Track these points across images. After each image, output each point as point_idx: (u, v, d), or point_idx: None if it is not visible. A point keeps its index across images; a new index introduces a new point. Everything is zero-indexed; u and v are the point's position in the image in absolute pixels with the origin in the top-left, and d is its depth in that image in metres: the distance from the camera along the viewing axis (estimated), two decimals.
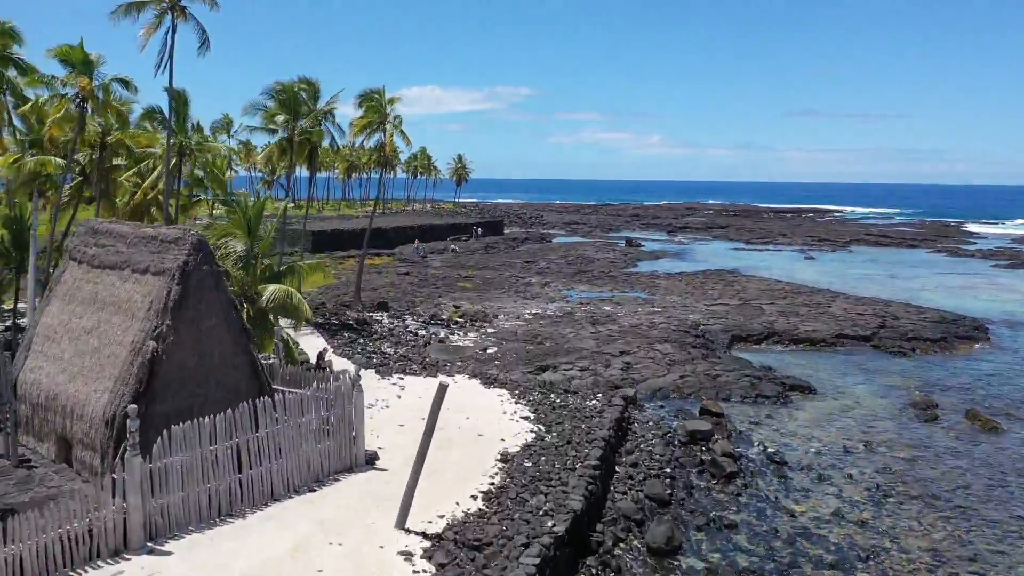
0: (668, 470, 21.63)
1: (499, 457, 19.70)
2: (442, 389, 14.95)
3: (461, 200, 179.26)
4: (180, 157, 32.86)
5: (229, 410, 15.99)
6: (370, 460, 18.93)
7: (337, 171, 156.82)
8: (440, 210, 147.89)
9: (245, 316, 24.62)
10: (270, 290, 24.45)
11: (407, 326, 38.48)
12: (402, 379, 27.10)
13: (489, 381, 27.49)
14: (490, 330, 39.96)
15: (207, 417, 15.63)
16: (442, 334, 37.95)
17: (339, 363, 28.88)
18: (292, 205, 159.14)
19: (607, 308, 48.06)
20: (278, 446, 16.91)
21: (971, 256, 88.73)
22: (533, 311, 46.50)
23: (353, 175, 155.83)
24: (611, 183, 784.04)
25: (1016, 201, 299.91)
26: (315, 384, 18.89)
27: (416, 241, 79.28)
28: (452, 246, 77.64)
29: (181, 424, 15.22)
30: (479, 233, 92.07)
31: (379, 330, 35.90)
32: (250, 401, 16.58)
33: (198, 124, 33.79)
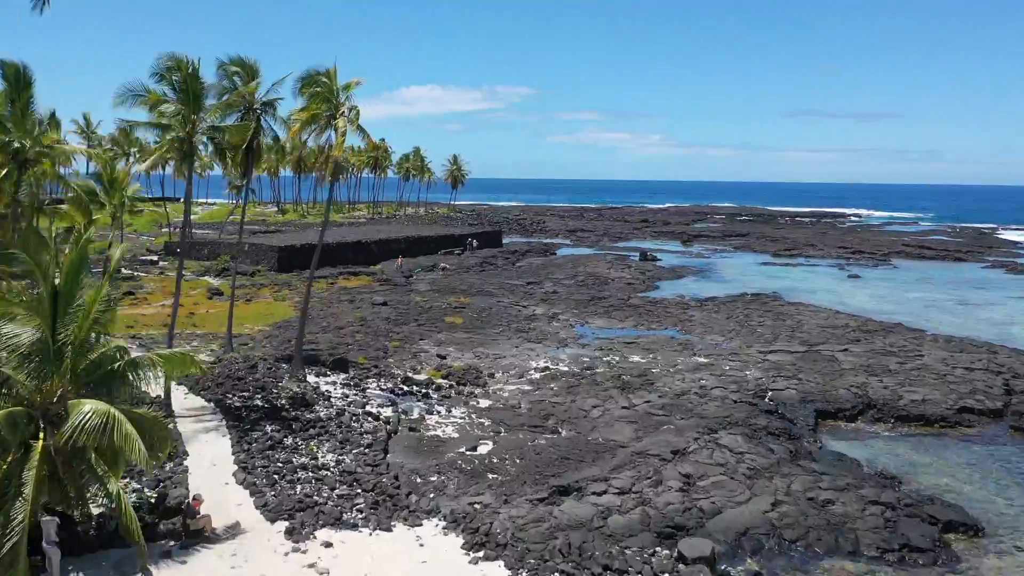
0: None
1: None
2: None
3: (457, 203, 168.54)
4: (19, 165, 21.89)
5: None
6: None
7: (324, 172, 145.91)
8: (433, 216, 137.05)
9: (38, 456, 13.95)
10: (83, 412, 13.58)
11: (367, 401, 27.47)
12: (330, 544, 16.12)
13: (478, 542, 16.60)
14: (483, 403, 29.04)
15: None
16: (415, 412, 27.00)
17: (235, 502, 17.92)
18: (275, 211, 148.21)
19: (635, 358, 37.21)
20: None
21: None
22: (541, 363, 35.65)
23: (341, 177, 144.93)
24: (611, 183, 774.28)
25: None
26: None
27: (400, 258, 68.31)
28: (442, 264, 66.71)
29: None
30: (474, 246, 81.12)
31: (322, 414, 24.92)
32: None
33: (52, 116, 23.04)
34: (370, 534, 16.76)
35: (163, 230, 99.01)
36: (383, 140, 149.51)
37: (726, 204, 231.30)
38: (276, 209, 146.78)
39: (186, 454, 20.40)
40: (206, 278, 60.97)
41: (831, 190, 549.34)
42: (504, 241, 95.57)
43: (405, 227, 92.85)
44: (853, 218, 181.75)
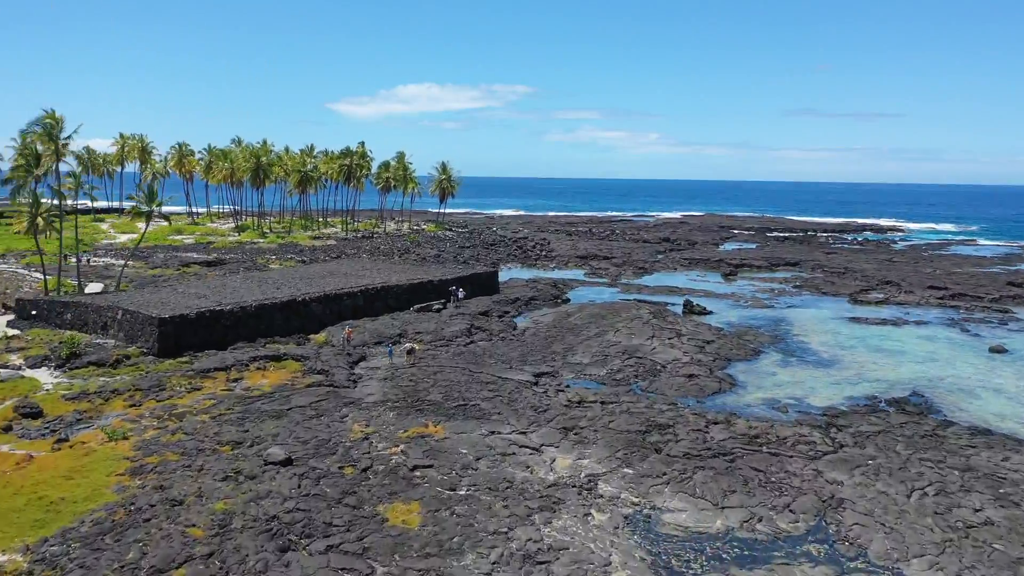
0: None
1: None
2: None
3: (448, 211, 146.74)
4: None
5: None
6: None
7: (288, 184, 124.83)
8: (417, 236, 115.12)
9: None
10: None
11: None
12: None
13: None
14: None
15: None
16: None
17: None
18: (231, 227, 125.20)
19: None
20: None
21: None
22: None
23: (309, 188, 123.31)
24: (611, 182, 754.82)
25: None
26: None
27: (347, 330, 46.56)
28: (407, 343, 44.83)
29: None
30: (460, 297, 59.40)
31: None
32: None
33: None
34: None
35: (72, 260, 74.50)
36: (361, 144, 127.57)
37: (747, 213, 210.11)
38: (234, 225, 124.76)
39: None
40: (39, 372, 39.19)
41: (836, 191, 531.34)
42: (501, 276, 74.11)
43: (363, 270, 70.55)
44: (898, 233, 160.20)
